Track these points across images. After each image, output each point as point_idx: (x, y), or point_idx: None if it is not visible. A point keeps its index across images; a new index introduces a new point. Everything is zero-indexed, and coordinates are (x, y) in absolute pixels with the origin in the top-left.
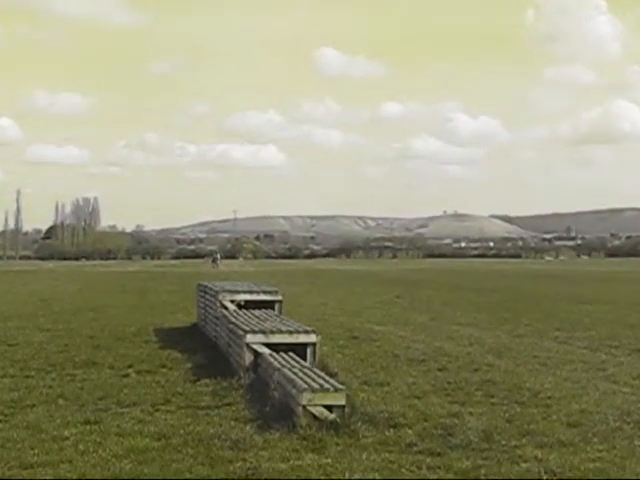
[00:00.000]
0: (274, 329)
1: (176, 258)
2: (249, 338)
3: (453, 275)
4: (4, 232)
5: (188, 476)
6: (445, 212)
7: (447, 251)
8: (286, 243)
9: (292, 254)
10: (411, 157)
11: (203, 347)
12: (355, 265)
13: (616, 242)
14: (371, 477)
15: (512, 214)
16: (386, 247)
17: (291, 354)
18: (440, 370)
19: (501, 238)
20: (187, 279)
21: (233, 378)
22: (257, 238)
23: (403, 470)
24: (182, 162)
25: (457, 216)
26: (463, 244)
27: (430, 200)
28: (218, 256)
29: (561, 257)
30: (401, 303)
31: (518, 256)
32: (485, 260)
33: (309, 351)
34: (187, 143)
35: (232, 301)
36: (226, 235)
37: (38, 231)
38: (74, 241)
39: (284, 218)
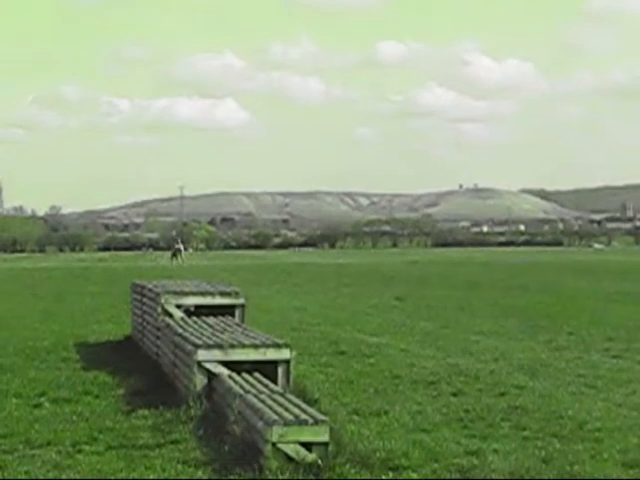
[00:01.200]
0: (234, 343)
1: (104, 250)
2: (201, 355)
3: (472, 269)
4: None
5: None
6: (461, 186)
7: (464, 237)
8: (251, 228)
9: (259, 243)
10: (416, 114)
11: (140, 367)
12: (342, 257)
13: None
14: None
15: (549, 188)
16: (383, 233)
17: (257, 375)
18: (454, 395)
19: (535, 220)
20: (119, 278)
21: (180, 408)
22: (211, 222)
23: None
24: (111, 123)
25: (477, 191)
26: (485, 228)
27: (441, 170)
28: (181, 247)
29: (614, 244)
30: (403, 307)
31: (558, 243)
32: (514, 249)
33: (281, 371)
34: (117, 97)
35: (178, 306)
36: (170, 219)
37: None
38: None
39: (247, 196)
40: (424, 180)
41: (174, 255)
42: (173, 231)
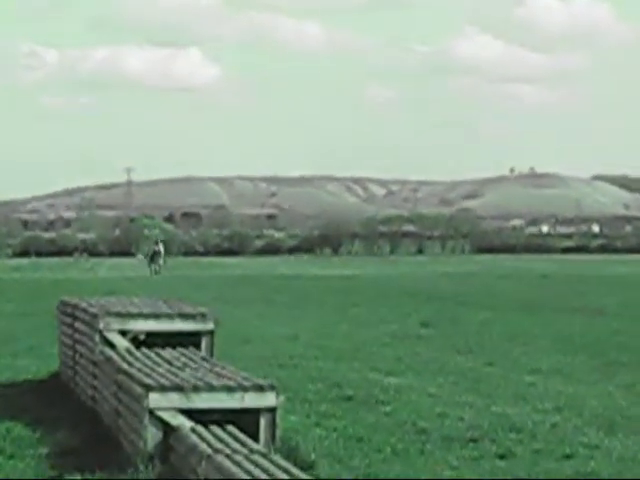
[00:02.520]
0: (200, 384)
1: (22, 255)
2: (154, 400)
3: (527, 284)
4: None
5: None
6: (513, 171)
7: (516, 241)
8: (223, 227)
9: (234, 247)
10: (450, 71)
11: (70, 417)
12: (348, 267)
13: None
14: None
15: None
16: (405, 234)
17: (231, 429)
18: (502, 457)
19: (614, 217)
20: (42, 294)
21: (125, 473)
22: (169, 218)
23: None
24: (33, 80)
25: (534, 178)
26: (545, 228)
27: (485, 149)
28: (161, 248)
29: None
30: (431, 336)
31: None
32: (585, 257)
33: (264, 423)
34: (41, 46)
35: (123, 333)
36: (112, 213)
37: None
38: None
39: (219, 182)
40: (461, 162)
41: (153, 259)
42: (154, 230)
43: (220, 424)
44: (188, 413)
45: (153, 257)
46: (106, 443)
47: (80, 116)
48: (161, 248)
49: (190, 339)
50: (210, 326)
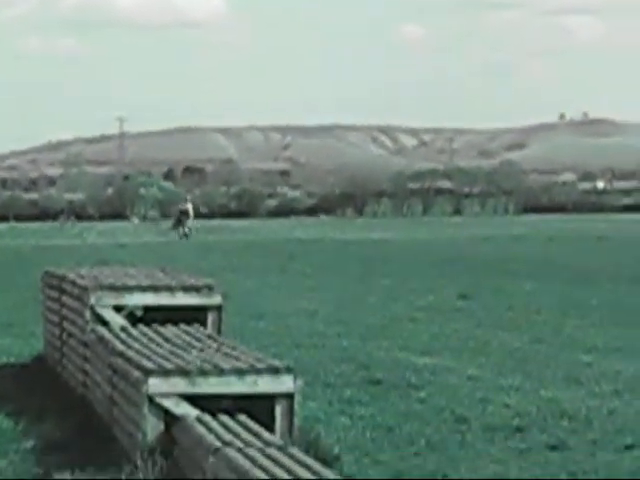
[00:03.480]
0: (206, 367)
1: (0, 219)
2: (154, 386)
3: (580, 248)
4: None
5: None
6: (563, 117)
7: (567, 198)
8: (230, 185)
9: (243, 208)
10: (493, 3)
11: (58, 406)
12: (374, 230)
13: None
14: None
15: None
16: (440, 192)
17: (243, 418)
18: (554, 448)
19: None
20: (23, 263)
21: (121, 470)
22: (168, 175)
23: None
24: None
25: (588, 124)
26: (601, 184)
27: (532, 92)
28: (189, 207)
29: None
30: (471, 309)
31: None
32: None
33: (280, 411)
34: None
35: (118, 309)
36: (104, 170)
37: None
38: None
39: (225, 132)
40: (504, 107)
41: (179, 222)
42: (182, 192)
43: (230, 413)
44: (193, 400)
45: (180, 218)
46: (99, 435)
47: (63, 59)
48: (189, 207)
49: (194, 315)
50: (217, 300)
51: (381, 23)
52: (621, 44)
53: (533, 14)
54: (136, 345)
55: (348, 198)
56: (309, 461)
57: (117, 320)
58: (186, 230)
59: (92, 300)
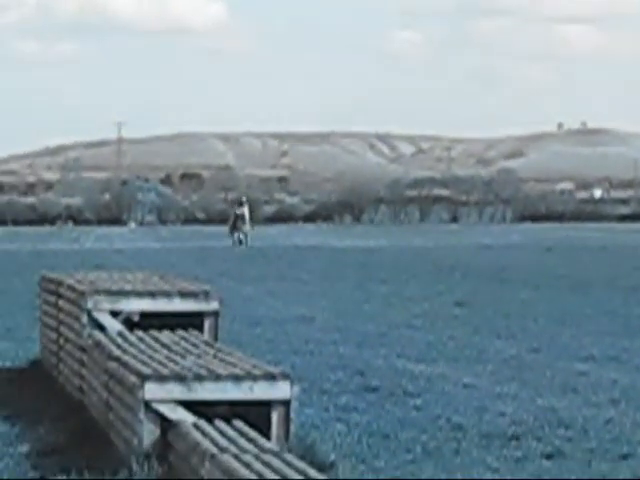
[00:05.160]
0: (203, 372)
1: None
2: (151, 391)
3: (577, 257)
4: None
5: None
6: (561, 126)
7: (564, 207)
8: (228, 191)
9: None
10: (487, 10)
11: (54, 410)
12: (372, 237)
13: None
14: None
15: None
16: (437, 199)
17: (239, 424)
18: (549, 457)
19: None
20: (19, 268)
21: (117, 475)
22: (166, 181)
23: None
24: (5, 23)
25: (586, 134)
26: (598, 192)
27: (529, 101)
28: (245, 210)
29: None
30: (468, 317)
31: None
32: None
33: (276, 418)
34: None
35: (115, 314)
36: (102, 174)
37: None
38: None
39: (223, 139)
40: (502, 116)
41: (234, 226)
42: (237, 195)
43: (226, 418)
44: (189, 406)
45: (235, 223)
46: (95, 440)
47: (62, 64)
48: (245, 211)
49: (191, 320)
50: (214, 306)
51: (377, 30)
52: (619, 54)
53: (529, 21)
54: (133, 350)
55: (346, 205)
56: (305, 467)
57: (114, 325)
58: (241, 236)
59: (89, 305)
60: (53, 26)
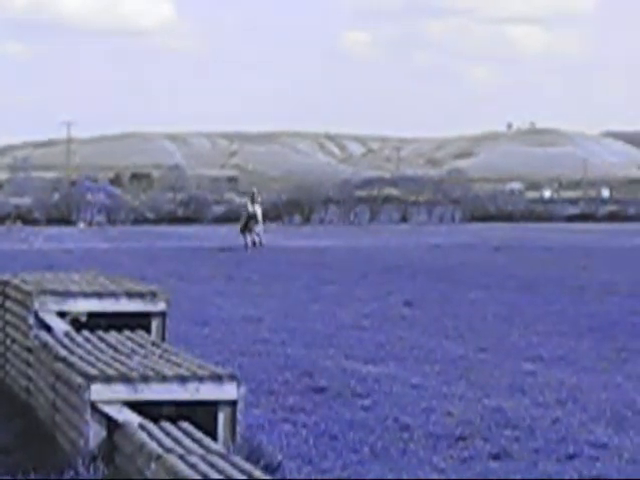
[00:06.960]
0: (149, 373)
1: None
2: (97, 392)
3: (526, 257)
4: None
5: None
6: (510, 126)
7: (514, 207)
8: (177, 191)
9: (190, 214)
10: (436, 10)
11: (0, 412)
12: (321, 238)
13: None
14: None
15: None
16: (386, 199)
17: (185, 425)
18: (496, 458)
19: (626, 180)
20: None
21: (63, 476)
22: (115, 180)
23: None
24: None
25: (535, 134)
26: (548, 193)
27: (478, 101)
28: (257, 209)
29: None
30: (416, 317)
31: None
32: (594, 226)
33: (223, 418)
34: None
35: (62, 314)
36: (51, 174)
37: None
38: None
39: (172, 138)
40: (451, 117)
41: (246, 227)
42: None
43: (172, 419)
44: (136, 407)
45: (247, 224)
46: (41, 441)
47: (9, 64)
48: (258, 210)
49: (138, 321)
50: (161, 306)
51: (327, 30)
52: (566, 54)
53: (478, 22)
54: (79, 351)
55: (295, 205)
56: (251, 469)
57: (61, 326)
58: (254, 237)
59: (36, 305)
60: (2, 24)
